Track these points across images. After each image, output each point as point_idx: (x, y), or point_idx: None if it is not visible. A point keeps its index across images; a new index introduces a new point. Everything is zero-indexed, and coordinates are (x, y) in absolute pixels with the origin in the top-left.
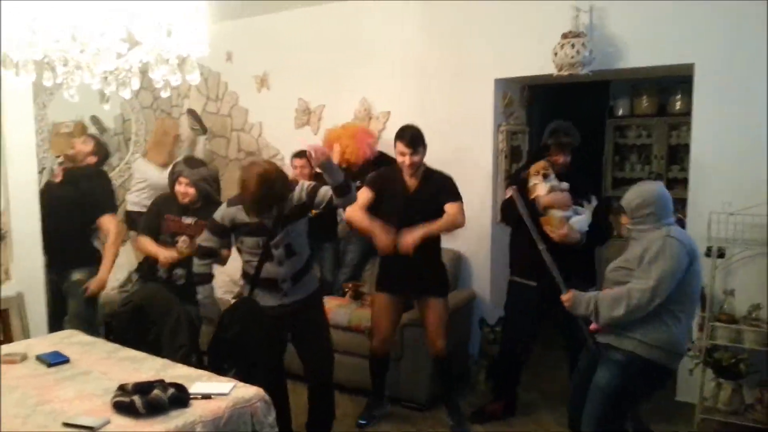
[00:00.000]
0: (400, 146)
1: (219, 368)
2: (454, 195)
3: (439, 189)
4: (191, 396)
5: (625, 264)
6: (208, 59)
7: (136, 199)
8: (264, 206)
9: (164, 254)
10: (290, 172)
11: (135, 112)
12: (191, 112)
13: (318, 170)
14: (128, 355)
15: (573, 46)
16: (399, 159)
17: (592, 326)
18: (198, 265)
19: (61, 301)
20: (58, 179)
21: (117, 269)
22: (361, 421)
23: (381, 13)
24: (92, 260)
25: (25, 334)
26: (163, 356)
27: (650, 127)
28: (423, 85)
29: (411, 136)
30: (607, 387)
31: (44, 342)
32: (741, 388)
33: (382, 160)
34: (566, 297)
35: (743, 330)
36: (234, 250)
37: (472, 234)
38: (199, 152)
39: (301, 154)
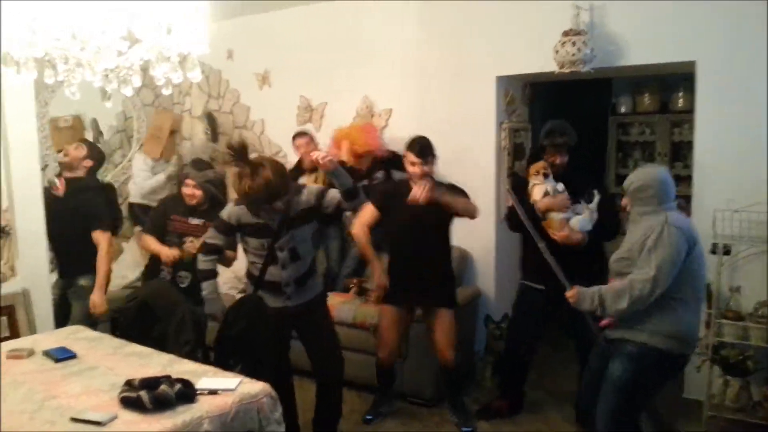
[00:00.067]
0: (411, 156)
1: (225, 364)
2: (464, 194)
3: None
4: (198, 391)
5: (627, 254)
6: (209, 57)
7: (135, 191)
8: (259, 202)
9: (166, 252)
10: (289, 169)
11: (137, 109)
12: (209, 117)
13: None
14: (135, 351)
15: (574, 44)
16: (409, 169)
17: (603, 322)
18: (203, 261)
19: (66, 306)
20: (60, 192)
21: (124, 267)
22: (367, 417)
23: (382, 11)
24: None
25: (32, 330)
26: (168, 352)
27: (653, 125)
28: (425, 82)
29: (421, 147)
30: (619, 380)
31: (51, 337)
32: (748, 386)
33: (393, 159)
34: (571, 293)
35: (750, 327)
36: (240, 252)
37: (477, 231)
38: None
39: (301, 134)
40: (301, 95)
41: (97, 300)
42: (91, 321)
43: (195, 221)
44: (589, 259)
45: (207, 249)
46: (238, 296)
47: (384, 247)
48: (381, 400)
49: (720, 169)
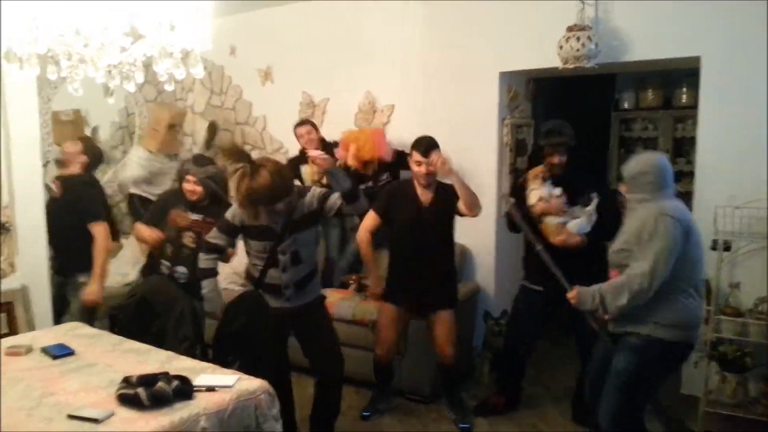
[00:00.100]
0: (416, 156)
1: (223, 361)
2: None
3: (452, 197)
4: (195, 388)
5: (626, 245)
6: (211, 53)
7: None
8: (259, 203)
9: (150, 234)
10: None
11: (139, 105)
12: (211, 126)
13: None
14: (133, 348)
15: (578, 39)
16: (415, 169)
17: (606, 316)
18: (204, 260)
19: (63, 303)
20: (58, 194)
21: (124, 263)
22: (365, 413)
23: (385, 8)
24: None
25: (30, 327)
26: (166, 348)
27: (656, 120)
28: (427, 78)
29: (426, 146)
30: (624, 372)
31: (49, 334)
32: (746, 382)
33: (399, 159)
34: (572, 294)
35: (749, 323)
36: (239, 250)
37: (477, 227)
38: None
39: (303, 122)
40: (304, 91)
41: (93, 288)
42: (89, 317)
43: (194, 216)
44: (589, 260)
45: (208, 248)
46: (238, 289)
47: (385, 245)
48: (379, 397)
49: (722, 166)
